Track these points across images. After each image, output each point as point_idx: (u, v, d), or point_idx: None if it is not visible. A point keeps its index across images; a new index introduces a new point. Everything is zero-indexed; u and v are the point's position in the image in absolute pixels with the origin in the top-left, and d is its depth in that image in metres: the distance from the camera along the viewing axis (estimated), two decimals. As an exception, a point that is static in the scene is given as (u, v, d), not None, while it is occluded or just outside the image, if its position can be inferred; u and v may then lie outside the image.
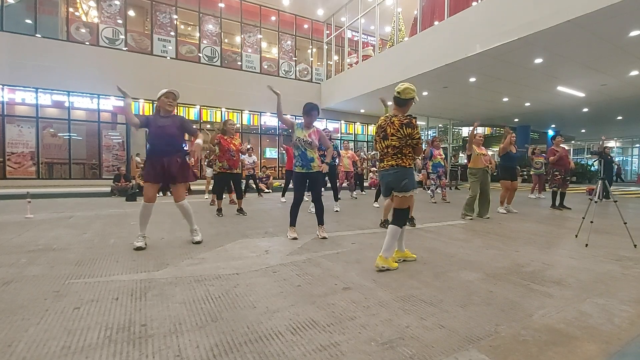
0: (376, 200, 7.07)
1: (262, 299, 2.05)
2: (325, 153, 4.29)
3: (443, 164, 8.12)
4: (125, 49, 11.99)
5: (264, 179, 11.18)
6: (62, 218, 5.09)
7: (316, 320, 1.79)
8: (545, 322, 1.79)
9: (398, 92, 2.70)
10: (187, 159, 3.67)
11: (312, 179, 3.88)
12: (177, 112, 3.54)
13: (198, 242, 3.48)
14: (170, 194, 8.59)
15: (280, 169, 15.08)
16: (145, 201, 3.32)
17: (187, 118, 3.69)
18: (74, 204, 7.04)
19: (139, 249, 3.20)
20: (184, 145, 3.58)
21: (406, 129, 2.63)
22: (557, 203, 6.77)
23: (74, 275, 2.44)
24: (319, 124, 15.01)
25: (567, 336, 1.65)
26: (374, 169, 12.82)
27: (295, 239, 3.73)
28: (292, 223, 3.89)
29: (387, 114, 2.83)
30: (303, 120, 3.87)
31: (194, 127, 3.56)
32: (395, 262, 2.75)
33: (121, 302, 1.98)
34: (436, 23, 10.25)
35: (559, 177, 6.70)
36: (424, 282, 2.41)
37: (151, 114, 3.44)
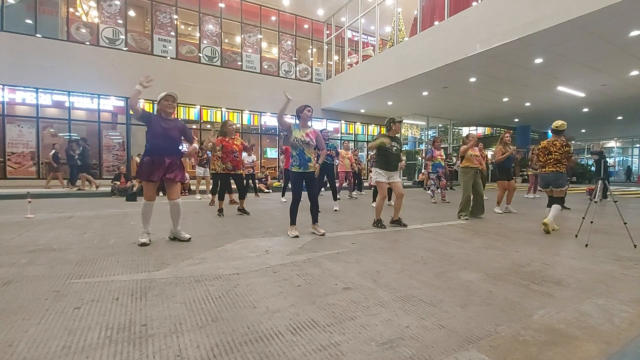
0: (374, 200, 7.09)
1: (262, 299, 2.05)
2: (319, 153, 4.40)
3: (443, 165, 8.13)
4: (125, 49, 11.99)
5: (263, 179, 11.18)
6: (63, 218, 5.09)
7: (316, 320, 1.79)
8: (545, 322, 1.80)
9: (556, 126, 4.33)
10: (186, 160, 3.81)
11: (308, 178, 3.97)
12: (177, 113, 3.67)
13: (189, 239, 3.58)
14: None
15: (279, 169, 15.09)
16: (146, 200, 3.44)
17: (186, 125, 3.80)
18: (74, 203, 7.04)
19: (143, 245, 3.32)
20: (181, 148, 3.73)
21: (566, 147, 4.26)
22: None
23: (74, 275, 2.44)
24: (320, 124, 14.88)
25: (567, 336, 1.65)
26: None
27: (296, 236, 3.80)
28: (293, 222, 3.97)
29: (548, 139, 4.45)
30: (299, 123, 4.02)
31: (192, 133, 3.80)
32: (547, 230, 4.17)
33: (121, 302, 1.98)
34: (436, 23, 10.25)
35: None
36: (424, 282, 2.41)
37: (154, 113, 3.57)
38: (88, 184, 9.61)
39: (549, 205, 4.48)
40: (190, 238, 3.60)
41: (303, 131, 3.92)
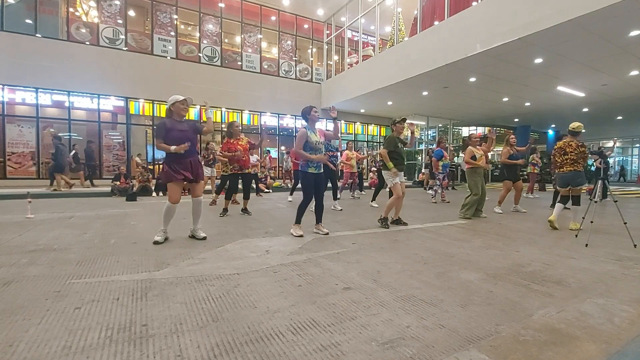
0: (373, 199, 7.09)
1: (263, 299, 2.05)
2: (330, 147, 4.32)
3: (449, 165, 8.15)
4: (125, 48, 11.99)
5: (263, 179, 11.17)
6: (63, 218, 5.09)
7: (317, 320, 1.79)
8: (545, 322, 1.80)
9: (573, 128, 4.51)
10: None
11: (319, 179, 4.00)
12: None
13: (204, 238, 3.66)
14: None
15: (280, 169, 15.06)
16: (172, 202, 3.48)
17: (195, 121, 3.88)
18: (75, 203, 7.04)
19: (156, 242, 3.40)
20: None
21: (581, 148, 4.44)
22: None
23: (74, 275, 2.44)
24: (319, 124, 14.90)
25: (567, 336, 1.65)
26: (374, 169, 12.85)
27: (301, 236, 3.81)
28: (299, 221, 3.98)
29: (564, 140, 4.57)
30: (308, 124, 3.94)
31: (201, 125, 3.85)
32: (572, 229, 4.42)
33: (122, 302, 1.98)
34: (436, 23, 10.25)
35: None
36: (425, 282, 2.41)
37: (164, 118, 3.59)
38: (64, 184, 9.22)
39: (554, 205, 4.57)
40: (205, 237, 3.68)
41: (317, 134, 3.95)
